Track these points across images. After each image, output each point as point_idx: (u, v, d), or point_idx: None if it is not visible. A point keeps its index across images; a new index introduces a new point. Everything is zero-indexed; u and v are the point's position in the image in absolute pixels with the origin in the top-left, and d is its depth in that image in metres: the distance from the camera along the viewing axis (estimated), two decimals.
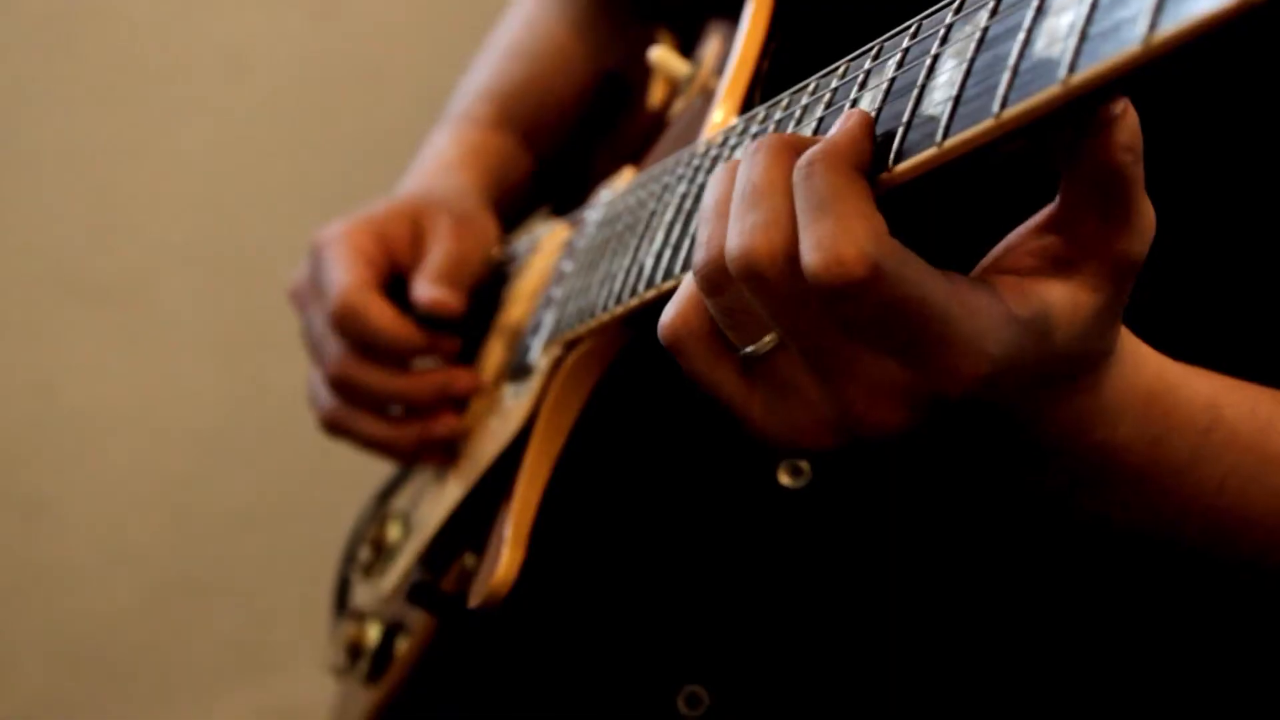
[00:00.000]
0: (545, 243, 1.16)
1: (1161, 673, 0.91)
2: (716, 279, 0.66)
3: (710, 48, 1.07)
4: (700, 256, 0.67)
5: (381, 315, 1.13)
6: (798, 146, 0.65)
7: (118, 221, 2.32)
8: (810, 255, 0.61)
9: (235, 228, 2.36)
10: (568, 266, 1.06)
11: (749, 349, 0.66)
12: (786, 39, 0.96)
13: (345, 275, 1.13)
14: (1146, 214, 0.63)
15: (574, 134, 1.35)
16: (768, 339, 0.66)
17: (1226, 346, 0.78)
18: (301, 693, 2.25)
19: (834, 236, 0.60)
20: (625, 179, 1.07)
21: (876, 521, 0.93)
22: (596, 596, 1.01)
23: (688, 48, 1.13)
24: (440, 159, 1.28)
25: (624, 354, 0.98)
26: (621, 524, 1.01)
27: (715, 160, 0.84)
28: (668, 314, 0.70)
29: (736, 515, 0.96)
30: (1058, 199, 0.64)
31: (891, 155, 0.61)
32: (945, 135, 0.59)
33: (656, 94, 1.15)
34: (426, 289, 1.14)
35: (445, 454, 1.14)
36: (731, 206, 0.66)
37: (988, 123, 0.57)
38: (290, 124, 2.37)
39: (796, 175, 0.63)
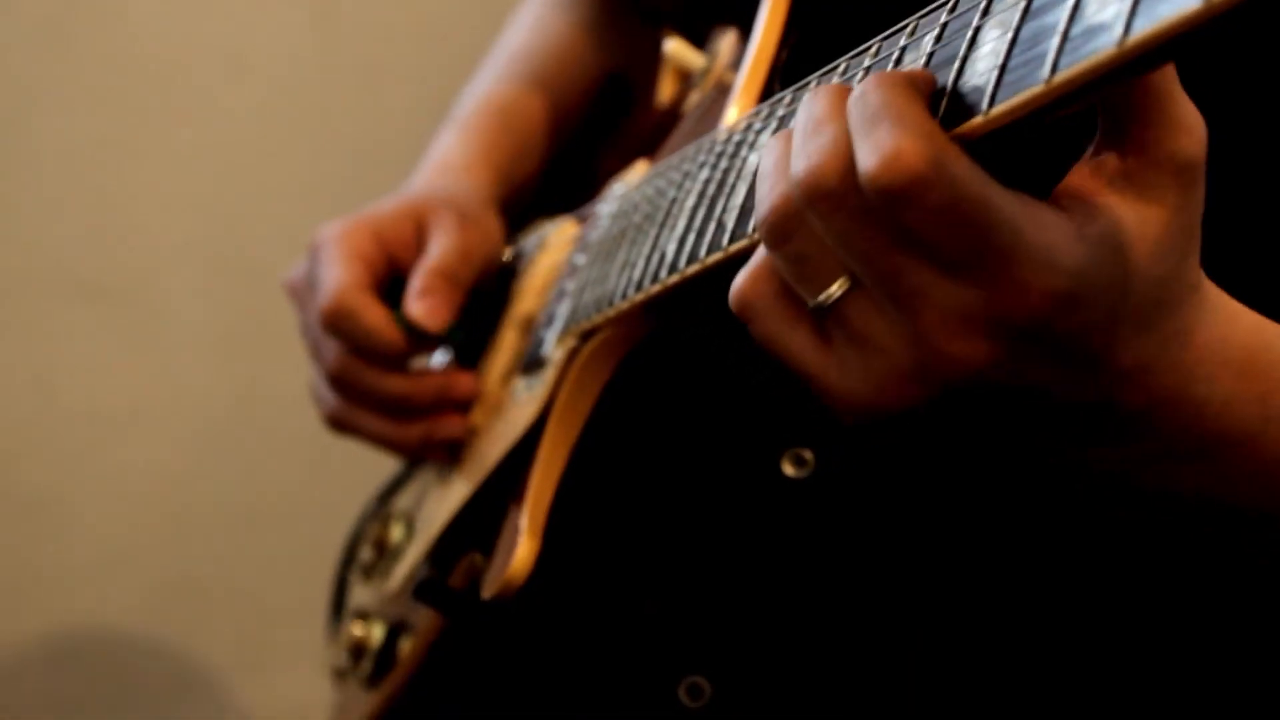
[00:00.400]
0: (554, 238, 1.16)
1: (1166, 662, 0.91)
2: (783, 226, 0.64)
3: (725, 42, 1.07)
4: (764, 208, 0.65)
5: (372, 317, 1.13)
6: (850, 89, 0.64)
7: (118, 221, 2.32)
8: (868, 162, 0.59)
9: (235, 228, 2.36)
10: (580, 259, 1.06)
11: (819, 298, 0.64)
12: (805, 33, 0.96)
13: (339, 275, 1.13)
14: (1189, 111, 0.62)
15: (580, 134, 1.35)
16: (836, 286, 0.64)
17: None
18: (302, 693, 2.25)
19: (891, 138, 0.59)
20: (638, 172, 1.07)
21: (880, 512, 0.93)
22: (599, 588, 1.01)
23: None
24: (447, 160, 1.28)
25: (637, 358, 0.98)
26: (625, 515, 1.01)
27: (739, 145, 0.84)
28: (738, 281, 0.68)
29: (740, 506, 0.96)
30: (1100, 121, 0.63)
31: (942, 108, 0.61)
32: (992, 103, 0.58)
33: (665, 90, 1.15)
34: (415, 304, 1.13)
35: (451, 452, 1.14)
36: (794, 143, 0.64)
37: (1037, 88, 0.56)
38: (290, 124, 2.37)
39: (850, 103, 0.62)
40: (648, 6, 1.29)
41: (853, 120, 0.61)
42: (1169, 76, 0.61)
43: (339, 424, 1.18)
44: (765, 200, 0.65)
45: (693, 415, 0.99)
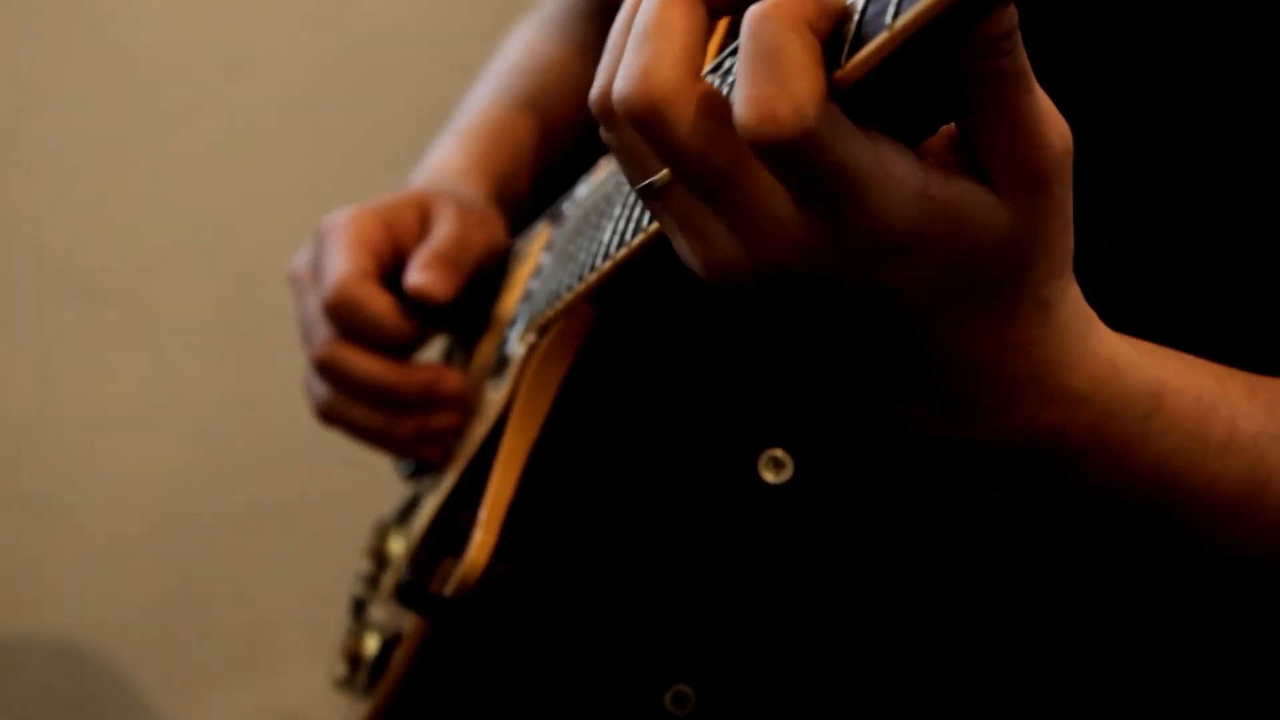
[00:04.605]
0: (535, 241, 1.17)
1: (1154, 671, 0.91)
2: (608, 116, 0.65)
3: None
4: (592, 90, 0.66)
5: (377, 304, 1.12)
6: None
7: (118, 221, 2.32)
8: (744, 108, 0.59)
9: (235, 228, 2.36)
10: (546, 259, 1.07)
11: (643, 183, 0.65)
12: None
13: (344, 263, 1.12)
14: (1039, 119, 0.61)
15: (579, 149, 1.35)
16: (663, 173, 0.64)
17: (1180, 317, 0.77)
18: (302, 694, 2.25)
19: (773, 92, 0.59)
20: (602, 170, 1.07)
21: (862, 517, 0.92)
22: (581, 597, 1.01)
23: None
24: (446, 167, 1.28)
25: (601, 350, 0.98)
26: (605, 523, 1.01)
27: None
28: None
29: (720, 513, 0.95)
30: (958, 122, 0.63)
31: (845, 50, 0.59)
32: (895, 16, 0.57)
33: None
34: (416, 274, 1.13)
35: (445, 449, 1.13)
36: (626, 44, 0.64)
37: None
38: (290, 124, 2.38)
39: (746, 25, 0.61)
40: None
41: (744, 48, 0.60)
42: (1008, 73, 0.60)
43: (328, 416, 1.17)
44: (594, 82, 0.65)
45: (668, 422, 0.99)
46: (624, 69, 0.63)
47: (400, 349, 1.14)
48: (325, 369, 1.14)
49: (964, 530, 0.91)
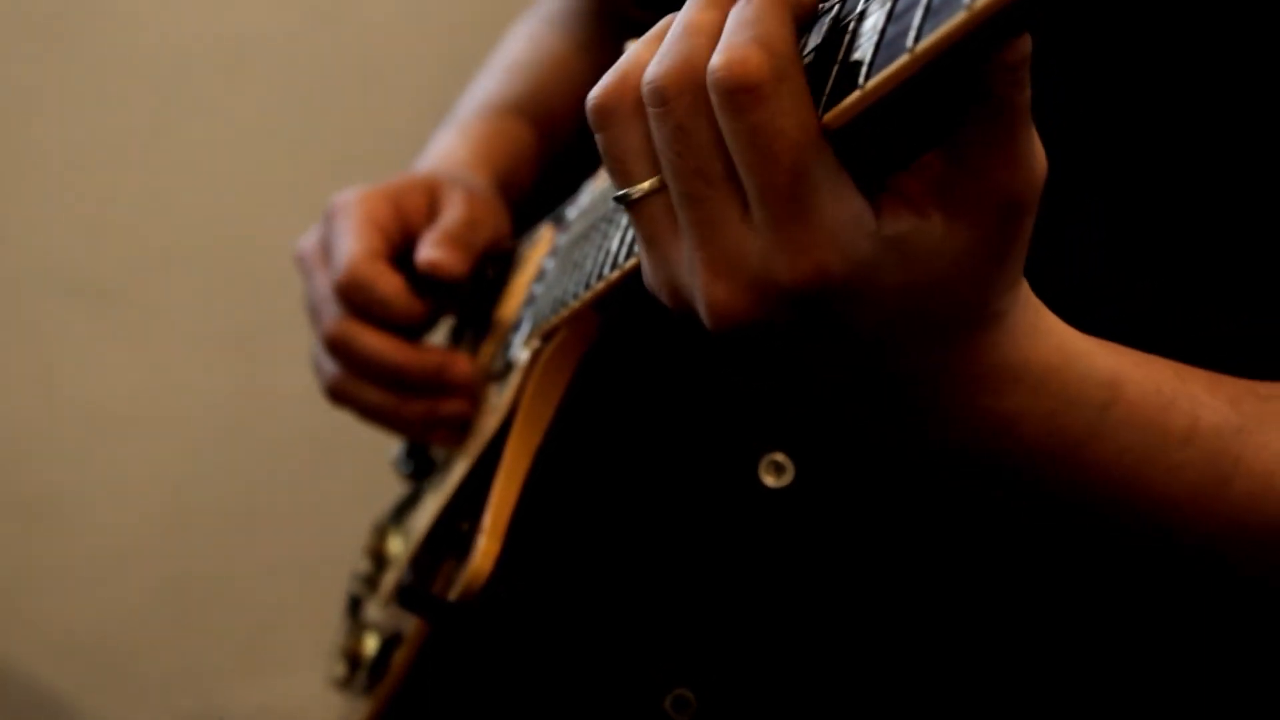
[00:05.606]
0: (538, 243, 1.17)
1: (1152, 675, 0.91)
2: (606, 111, 0.66)
3: None
4: (655, 70, 0.65)
5: (387, 284, 1.11)
6: None
7: (118, 221, 2.33)
8: (718, 57, 0.60)
9: (235, 227, 2.37)
10: (550, 263, 1.07)
11: (623, 191, 0.66)
12: None
13: (355, 242, 1.12)
14: (1029, 148, 0.61)
15: (578, 147, 1.35)
16: (646, 184, 0.65)
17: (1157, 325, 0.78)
18: (302, 694, 2.25)
19: (747, 41, 0.60)
20: (605, 177, 1.07)
21: (862, 521, 0.93)
22: (582, 601, 1.01)
23: None
24: (451, 157, 1.28)
25: (603, 356, 0.98)
26: (606, 528, 1.01)
27: None
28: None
29: (721, 517, 0.96)
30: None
31: (822, 104, 0.60)
32: (867, 76, 0.58)
33: None
34: (428, 250, 1.13)
35: (456, 435, 1.13)
36: (667, 36, 0.64)
37: (903, 59, 0.56)
38: (290, 124, 2.38)
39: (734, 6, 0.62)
40: (632, 20, 1.29)
41: (729, 22, 0.62)
42: (1014, 104, 0.60)
43: (338, 394, 1.16)
44: (656, 62, 0.65)
45: (669, 423, 0.99)
46: (669, 50, 0.63)
47: (409, 331, 1.14)
48: (335, 347, 1.13)
49: (964, 534, 0.91)
